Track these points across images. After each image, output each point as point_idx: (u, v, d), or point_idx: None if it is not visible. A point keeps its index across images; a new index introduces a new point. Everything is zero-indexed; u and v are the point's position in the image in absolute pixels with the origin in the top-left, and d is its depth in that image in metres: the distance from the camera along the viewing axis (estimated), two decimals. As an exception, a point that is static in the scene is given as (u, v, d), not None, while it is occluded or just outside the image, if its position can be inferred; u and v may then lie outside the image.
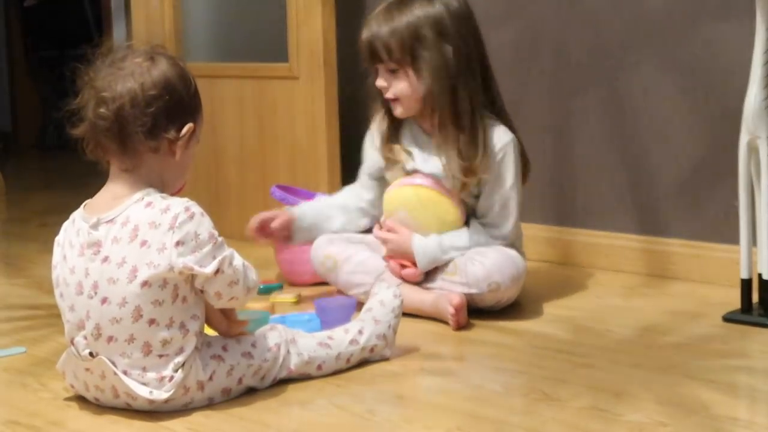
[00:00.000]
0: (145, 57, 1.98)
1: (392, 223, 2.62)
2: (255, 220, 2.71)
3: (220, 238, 1.95)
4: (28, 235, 3.70)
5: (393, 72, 2.54)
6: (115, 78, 1.95)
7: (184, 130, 1.98)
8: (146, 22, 3.78)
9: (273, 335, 2.08)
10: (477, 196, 2.61)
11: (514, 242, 2.63)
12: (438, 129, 2.55)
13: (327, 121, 3.29)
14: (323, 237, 2.69)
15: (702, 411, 1.91)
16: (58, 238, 2.04)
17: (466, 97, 2.52)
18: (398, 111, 2.59)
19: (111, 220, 1.94)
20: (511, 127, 2.62)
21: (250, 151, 3.51)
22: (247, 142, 3.51)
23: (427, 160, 2.61)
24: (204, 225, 1.93)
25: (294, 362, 2.09)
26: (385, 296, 2.27)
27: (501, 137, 2.58)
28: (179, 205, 1.93)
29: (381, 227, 2.64)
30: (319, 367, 2.13)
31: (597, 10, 2.99)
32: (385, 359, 2.24)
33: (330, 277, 2.66)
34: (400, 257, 2.60)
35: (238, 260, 1.98)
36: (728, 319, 2.48)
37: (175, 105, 1.97)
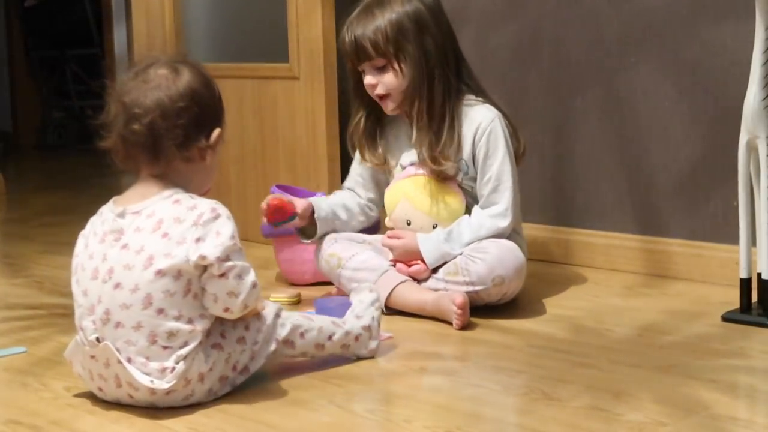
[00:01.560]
0: (168, 68, 2.01)
1: (397, 230, 2.66)
2: (274, 199, 2.65)
3: (239, 245, 1.98)
4: (28, 235, 3.69)
5: (380, 69, 2.61)
6: (143, 92, 1.98)
7: (214, 136, 2.03)
8: (146, 22, 3.78)
9: (268, 312, 2.10)
10: (466, 172, 2.65)
11: (516, 227, 2.66)
12: (416, 118, 2.62)
13: (327, 121, 3.29)
14: (328, 237, 2.71)
15: (701, 410, 1.91)
16: (84, 231, 2.07)
17: (440, 87, 2.60)
18: (389, 107, 2.65)
19: (137, 212, 1.98)
20: (495, 106, 2.67)
21: (250, 151, 3.51)
22: (247, 142, 3.52)
23: (411, 152, 2.68)
24: (227, 226, 1.97)
25: (279, 333, 2.10)
26: (362, 294, 2.32)
27: (485, 115, 2.63)
28: (206, 204, 1.98)
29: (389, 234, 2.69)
30: (302, 335, 2.14)
31: (596, 10, 2.99)
32: (372, 354, 2.25)
33: (333, 275, 2.67)
34: (408, 260, 2.62)
35: (250, 277, 1.99)
36: (727, 318, 2.48)
37: (203, 114, 2.01)
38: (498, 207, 2.61)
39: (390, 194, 2.70)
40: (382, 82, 2.61)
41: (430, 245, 2.59)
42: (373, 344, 2.26)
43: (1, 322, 2.65)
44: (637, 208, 2.99)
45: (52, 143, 6.46)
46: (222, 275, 1.95)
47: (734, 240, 2.61)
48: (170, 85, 1.99)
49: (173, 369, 1.95)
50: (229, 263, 1.95)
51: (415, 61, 2.58)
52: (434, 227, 2.63)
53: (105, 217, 2.02)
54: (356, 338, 2.23)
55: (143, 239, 1.96)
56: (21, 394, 2.13)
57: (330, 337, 2.18)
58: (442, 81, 2.60)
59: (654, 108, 2.91)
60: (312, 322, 2.17)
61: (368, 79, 2.62)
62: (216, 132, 2.03)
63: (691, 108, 2.85)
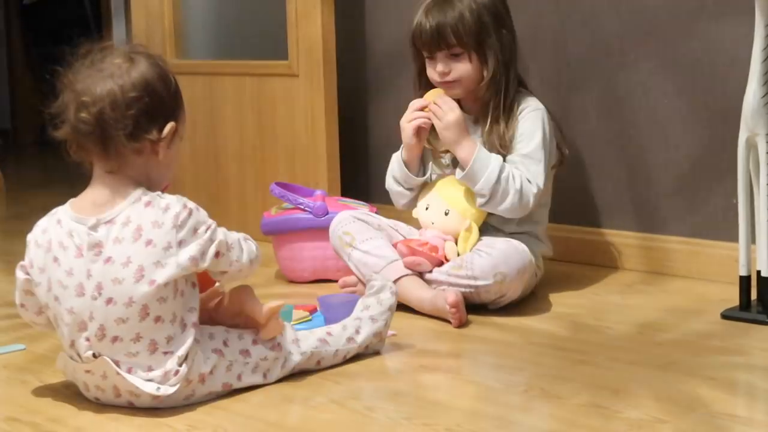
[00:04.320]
0: (124, 58, 1.97)
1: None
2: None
3: (213, 224, 1.98)
4: (27, 232, 3.68)
5: (456, 56, 2.65)
6: (95, 81, 1.94)
7: (166, 130, 1.97)
8: (146, 19, 3.78)
9: (285, 337, 2.10)
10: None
11: (539, 232, 2.71)
12: (494, 109, 2.66)
13: (326, 119, 3.29)
14: (347, 213, 2.74)
15: (701, 408, 1.91)
16: (37, 239, 2.02)
17: (514, 80, 2.69)
18: (456, 92, 2.68)
19: (110, 221, 1.94)
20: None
21: (249, 148, 3.51)
22: (246, 139, 3.51)
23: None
24: (200, 218, 1.96)
25: (296, 360, 2.10)
26: (383, 294, 2.29)
27: (531, 103, 2.69)
28: (177, 203, 1.95)
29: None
30: (318, 362, 2.15)
31: (596, 8, 2.99)
32: (377, 353, 2.26)
33: (344, 252, 2.69)
34: (441, 126, 2.60)
35: (232, 237, 2.01)
36: (727, 316, 2.48)
37: (156, 106, 1.96)
38: (530, 173, 2.61)
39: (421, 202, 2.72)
40: (456, 70, 2.65)
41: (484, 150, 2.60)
42: (379, 346, 2.26)
43: (0, 319, 2.65)
44: (637, 205, 2.99)
45: (51, 140, 6.46)
46: (217, 255, 1.96)
47: (734, 237, 2.61)
48: (123, 75, 1.94)
49: (176, 372, 1.94)
50: (215, 243, 1.96)
51: (496, 54, 2.63)
52: (446, 213, 2.63)
53: (71, 228, 1.96)
54: (367, 347, 2.23)
55: (127, 250, 1.92)
56: (20, 391, 2.13)
57: (345, 356, 2.19)
58: (514, 74, 2.68)
59: (653, 105, 2.91)
60: (328, 347, 2.16)
61: (440, 67, 2.65)
62: (169, 125, 1.98)
63: (691, 105, 2.85)
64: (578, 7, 3.02)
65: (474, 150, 2.58)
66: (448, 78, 2.66)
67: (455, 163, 2.68)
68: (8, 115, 6.68)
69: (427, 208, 2.67)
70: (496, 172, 2.56)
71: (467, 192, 2.63)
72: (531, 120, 2.66)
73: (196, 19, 3.77)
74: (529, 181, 2.60)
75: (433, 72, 2.68)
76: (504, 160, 2.62)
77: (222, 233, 1.99)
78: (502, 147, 2.64)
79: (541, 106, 2.69)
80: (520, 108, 2.68)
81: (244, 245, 2.03)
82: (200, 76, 3.52)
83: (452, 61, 2.65)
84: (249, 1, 3.65)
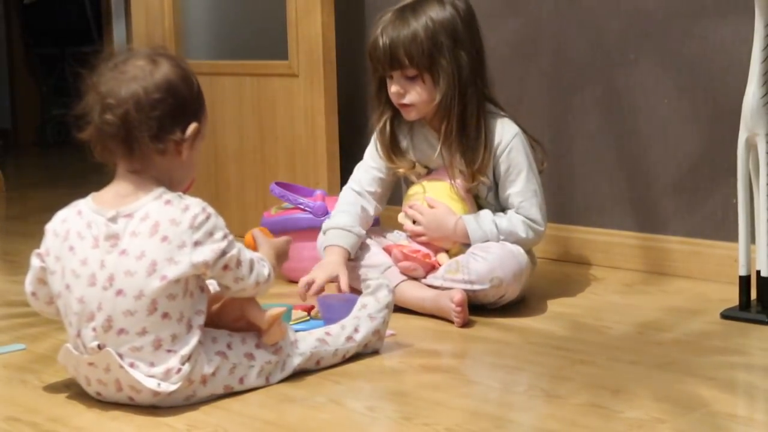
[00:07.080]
0: (147, 60, 2.00)
1: (421, 205, 2.63)
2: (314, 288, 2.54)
3: (230, 236, 1.99)
4: (27, 232, 3.69)
5: (410, 78, 2.56)
6: (119, 83, 1.97)
7: (189, 130, 2.01)
8: (146, 20, 3.78)
9: (285, 339, 2.11)
10: (490, 188, 2.63)
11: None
12: (445, 134, 2.59)
13: (326, 119, 3.29)
14: None
15: (700, 408, 1.92)
16: (55, 228, 2.03)
17: (474, 102, 2.57)
18: (411, 115, 2.62)
19: (129, 215, 1.96)
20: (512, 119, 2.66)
21: (249, 148, 3.51)
22: (246, 140, 3.52)
23: (432, 158, 2.65)
24: (218, 224, 1.98)
25: (296, 362, 2.11)
26: (379, 292, 2.30)
27: (507, 130, 2.61)
28: (197, 205, 1.97)
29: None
30: (318, 362, 2.15)
31: (596, 8, 2.99)
32: (376, 352, 2.26)
33: None
34: (431, 237, 2.60)
35: (246, 256, 2.01)
36: (726, 316, 2.49)
37: (179, 107, 1.99)
38: (530, 215, 2.60)
39: (410, 191, 2.69)
40: (410, 93, 2.57)
41: (475, 225, 2.57)
42: (378, 345, 2.27)
43: (0, 319, 2.65)
44: (636, 205, 2.99)
45: (51, 140, 6.46)
46: (225, 268, 1.97)
47: (733, 237, 2.61)
48: (146, 77, 1.97)
49: (179, 370, 1.95)
50: (227, 256, 1.97)
51: (448, 77, 2.53)
52: None
53: (90, 219, 1.98)
54: (366, 345, 2.24)
55: (142, 244, 1.94)
56: (20, 391, 2.13)
57: (344, 356, 2.20)
58: (474, 96, 2.57)
59: (653, 105, 2.91)
60: (327, 346, 2.17)
61: (395, 88, 2.58)
62: (192, 126, 2.01)
63: (691, 105, 2.85)
64: (578, 7, 3.02)
65: (464, 226, 2.57)
66: (403, 101, 2.58)
67: (428, 171, 2.67)
68: (8, 115, 6.68)
69: (414, 222, 2.65)
70: (494, 229, 2.56)
71: (452, 201, 2.62)
72: (513, 153, 2.59)
73: (196, 19, 3.77)
74: (532, 220, 2.59)
75: (390, 91, 2.60)
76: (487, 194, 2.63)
77: (237, 248, 2.00)
78: (471, 178, 2.58)
79: (514, 129, 2.62)
80: (497, 140, 2.59)
81: (256, 266, 2.03)
82: (200, 76, 3.46)
83: (408, 84, 2.56)
84: (249, 1, 3.65)
